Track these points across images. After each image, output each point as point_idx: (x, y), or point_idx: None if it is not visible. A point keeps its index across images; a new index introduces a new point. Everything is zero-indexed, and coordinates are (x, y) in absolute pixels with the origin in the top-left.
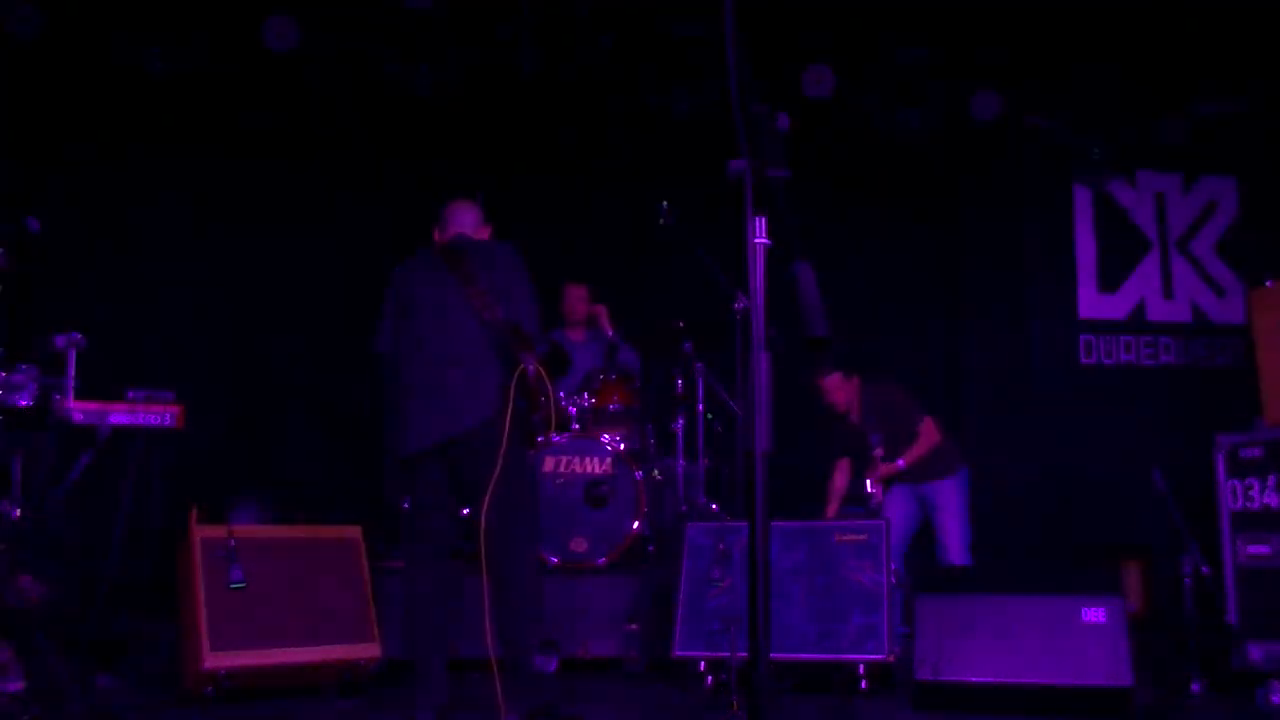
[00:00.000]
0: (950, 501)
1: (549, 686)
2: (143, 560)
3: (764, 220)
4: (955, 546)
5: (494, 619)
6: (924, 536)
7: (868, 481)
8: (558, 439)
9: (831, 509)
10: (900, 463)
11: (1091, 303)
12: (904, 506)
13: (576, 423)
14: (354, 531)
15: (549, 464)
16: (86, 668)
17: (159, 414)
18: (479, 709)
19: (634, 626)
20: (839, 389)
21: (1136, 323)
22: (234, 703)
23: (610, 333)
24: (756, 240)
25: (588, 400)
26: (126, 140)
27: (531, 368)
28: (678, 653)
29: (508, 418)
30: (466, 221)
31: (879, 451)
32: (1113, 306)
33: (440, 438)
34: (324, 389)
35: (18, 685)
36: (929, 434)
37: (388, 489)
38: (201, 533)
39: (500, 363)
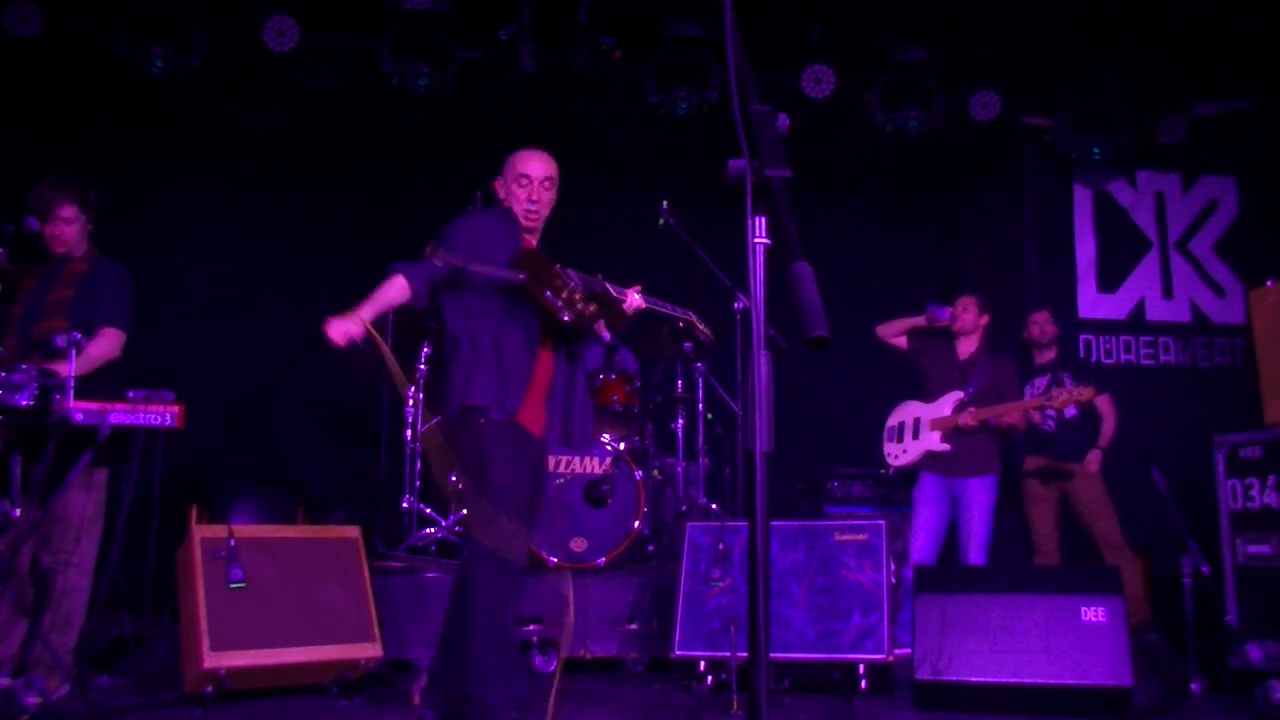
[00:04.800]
0: (980, 501)
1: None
2: (143, 560)
3: (764, 220)
4: (975, 548)
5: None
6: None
7: (936, 434)
8: None
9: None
10: (991, 419)
11: (1091, 303)
12: (936, 503)
13: None
14: (354, 531)
15: (549, 464)
16: (86, 668)
17: (159, 414)
18: None
19: (634, 626)
20: (968, 311)
21: (1136, 323)
22: (234, 702)
23: (606, 335)
24: (756, 240)
25: None
26: (126, 139)
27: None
28: (677, 653)
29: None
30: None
31: (970, 390)
32: (1113, 306)
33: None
34: (324, 389)
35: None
36: (1017, 416)
37: None
38: (201, 533)
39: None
